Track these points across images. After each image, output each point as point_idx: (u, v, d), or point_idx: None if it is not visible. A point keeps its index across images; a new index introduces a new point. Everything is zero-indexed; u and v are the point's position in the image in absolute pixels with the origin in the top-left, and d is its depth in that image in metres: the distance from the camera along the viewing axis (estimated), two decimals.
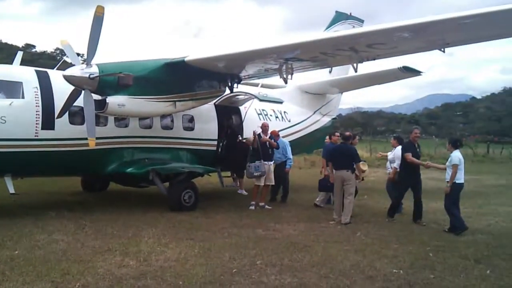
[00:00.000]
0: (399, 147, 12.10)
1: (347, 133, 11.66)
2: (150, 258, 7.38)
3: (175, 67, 10.90)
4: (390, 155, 12.56)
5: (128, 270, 6.79)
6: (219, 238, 8.90)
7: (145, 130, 12.22)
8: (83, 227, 9.51)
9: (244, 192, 13.09)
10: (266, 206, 12.49)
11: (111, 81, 9.95)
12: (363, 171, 11.99)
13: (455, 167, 9.98)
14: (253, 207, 12.37)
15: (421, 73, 15.25)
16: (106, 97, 10.06)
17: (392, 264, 7.39)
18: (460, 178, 10.07)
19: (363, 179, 12.38)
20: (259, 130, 12.91)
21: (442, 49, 9.12)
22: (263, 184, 12.62)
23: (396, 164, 11.98)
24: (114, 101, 10.06)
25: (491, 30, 8.62)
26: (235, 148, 13.50)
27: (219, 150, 13.87)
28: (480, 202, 14.26)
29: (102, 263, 7.06)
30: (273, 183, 12.93)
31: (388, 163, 12.66)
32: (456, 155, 10.10)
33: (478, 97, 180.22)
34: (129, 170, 11.48)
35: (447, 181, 10.12)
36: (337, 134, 13.07)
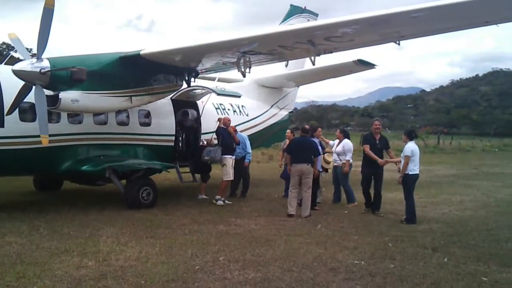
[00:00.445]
0: (347, 140, 12.61)
1: (306, 126, 11.68)
2: (110, 258, 7.16)
3: (130, 61, 10.62)
4: (338, 147, 12.65)
5: (87, 271, 6.56)
6: (180, 235, 8.75)
7: (100, 126, 11.88)
8: (38, 228, 9.14)
9: (205, 197, 12.95)
10: (226, 201, 12.40)
11: (63, 76, 9.58)
12: (329, 163, 12.09)
13: (406, 158, 10.21)
14: (221, 202, 12.23)
15: (375, 66, 15.51)
16: (59, 93, 9.67)
17: (353, 256, 7.48)
18: (414, 169, 10.29)
19: (327, 171, 12.45)
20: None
21: (397, 42, 9.27)
22: (231, 179, 12.60)
23: (348, 157, 12.38)
24: (68, 96, 9.70)
25: (443, 23, 8.82)
26: (197, 149, 13.31)
27: (179, 145, 13.69)
28: (434, 192, 14.70)
29: (59, 265, 6.79)
30: (232, 178, 12.83)
31: (335, 155, 12.81)
32: (409, 147, 10.30)
33: (428, 89, 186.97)
34: (84, 168, 11.14)
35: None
36: (319, 129, 13.00)
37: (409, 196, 10.31)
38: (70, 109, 10.06)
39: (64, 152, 11.24)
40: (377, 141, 11.33)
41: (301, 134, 11.45)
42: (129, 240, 8.32)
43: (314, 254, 7.54)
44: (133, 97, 10.82)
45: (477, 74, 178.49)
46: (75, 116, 11.36)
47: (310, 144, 11.17)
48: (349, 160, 12.42)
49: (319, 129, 12.74)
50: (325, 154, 12.03)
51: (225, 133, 12.59)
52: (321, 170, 11.99)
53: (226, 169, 12.45)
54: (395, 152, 31.23)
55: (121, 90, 10.57)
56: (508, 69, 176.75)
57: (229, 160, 12.44)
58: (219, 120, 13.02)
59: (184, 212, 11.07)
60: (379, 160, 11.03)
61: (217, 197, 12.32)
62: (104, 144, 11.95)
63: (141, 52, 10.51)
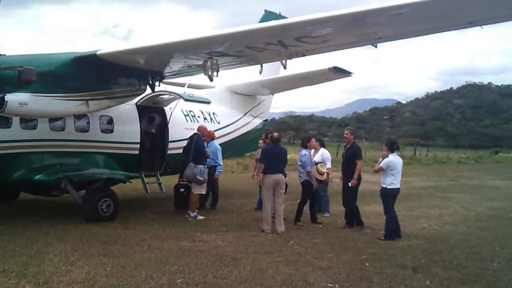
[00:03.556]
0: (324, 149, 12.32)
1: (276, 134, 10.90)
2: (51, 280, 6.33)
3: (86, 62, 9.71)
4: (316, 157, 12.09)
5: None
6: (137, 253, 7.94)
7: (57, 133, 10.96)
8: None
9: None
10: (199, 217, 11.47)
11: (10, 76, 8.66)
12: (322, 174, 11.37)
13: (380, 168, 9.72)
14: (201, 217, 11.37)
15: (351, 74, 14.94)
16: (5, 95, 8.74)
17: (327, 277, 6.76)
18: (394, 183, 9.70)
19: (322, 182, 11.68)
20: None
21: (374, 45, 8.61)
22: (204, 193, 11.76)
23: (329, 165, 12.08)
24: (15, 99, 8.75)
25: (424, 23, 8.23)
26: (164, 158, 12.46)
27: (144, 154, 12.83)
28: (412, 205, 14.13)
29: None
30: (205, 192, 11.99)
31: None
32: (388, 160, 9.70)
33: (403, 101, 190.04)
34: (37, 177, 10.18)
35: (382, 185, 9.79)
36: (313, 139, 12.38)
37: (389, 211, 9.68)
38: (18, 113, 9.12)
39: (15, 160, 10.31)
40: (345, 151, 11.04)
41: (271, 142, 10.69)
42: (78, 258, 7.49)
43: (283, 275, 6.80)
44: (90, 101, 9.91)
45: (452, 87, 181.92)
46: (28, 121, 10.46)
47: (284, 153, 10.53)
48: (330, 168, 12.11)
49: (313, 139, 12.23)
50: (318, 165, 11.36)
51: (201, 140, 11.75)
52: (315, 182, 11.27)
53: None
54: (371, 163, 30.85)
55: (76, 93, 9.66)
56: (482, 82, 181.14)
57: (206, 171, 11.51)
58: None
59: (146, 226, 10.25)
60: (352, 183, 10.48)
61: (193, 214, 11.40)
62: (61, 151, 11.05)
63: (98, 52, 9.62)
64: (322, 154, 12.12)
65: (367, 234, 9.96)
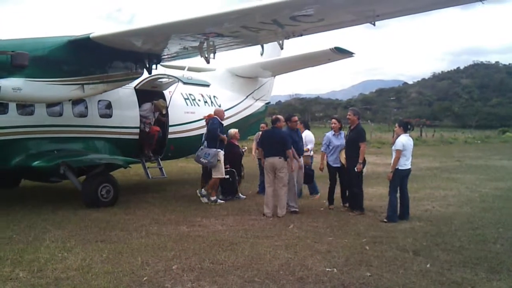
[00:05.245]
0: (308, 131, 12.36)
1: (276, 116, 10.71)
2: (46, 268, 6.24)
3: (80, 45, 9.52)
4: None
5: (15, 284, 5.66)
6: (135, 239, 7.85)
7: (55, 118, 10.87)
8: None
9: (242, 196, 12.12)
10: (219, 200, 11.40)
11: (2, 61, 8.50)
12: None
13: (398, 152, 9.40)
14: (221, 201, 11.42)
15: (353, 55, 14.65)
16: None
17: (326, 261, 6.63)
18: (405, 163, 9.50)
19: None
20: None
21: (373, 23, 8.31)
22: (221, 177, 11.29)
23: (310, 147, 12.12)
24: (8, 84, 8.62)
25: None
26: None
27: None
28: (416, 186, 13.90)
29: None
30: (223, 176, 11.46)
31: None
32: (400, 140, 9.49)
33: (410, 82, 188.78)
34: (35, 163, 10.09)
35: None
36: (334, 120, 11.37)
37: (393, 192, 9.50)
38: (12, 98, 9.00)
39: (13, 146, 10.23)
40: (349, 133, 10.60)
41: (272, 125, 10.58)
42: (75, 244, 7.42)
43: (281, 260, 6.67)
44: (85, 86, 9.75)
45: (458, 67, 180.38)
46: (25, 107, 10.35)
47: (282, 135, 10.28)
48: (309, 149, 11.98)
49: (334, 120, 11.27)
50: (343, 151, 10.84)
51: (212, 123, 11.48)
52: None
53: (219, 165, 11.23)
54: (376, 145, 30.55)
55: (71, 77, 9.49)
56: (489, 61, 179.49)
57: (221, 154, 11.28)
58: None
59: (146, 211, 10.17)
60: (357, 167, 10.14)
61: (213, 198, 11.28)
62: (59, 137, 10.96)
63: (91, 35, 9.41)
64: (305, 137, 11.89)
65: (369, 217, 9.80)
